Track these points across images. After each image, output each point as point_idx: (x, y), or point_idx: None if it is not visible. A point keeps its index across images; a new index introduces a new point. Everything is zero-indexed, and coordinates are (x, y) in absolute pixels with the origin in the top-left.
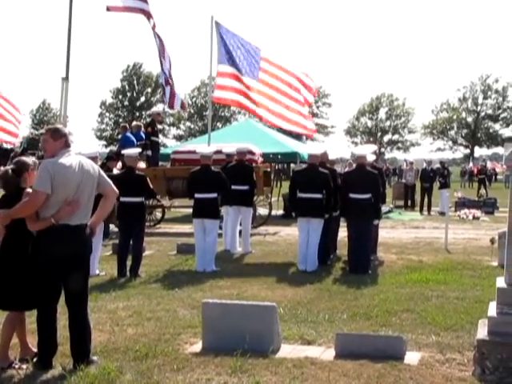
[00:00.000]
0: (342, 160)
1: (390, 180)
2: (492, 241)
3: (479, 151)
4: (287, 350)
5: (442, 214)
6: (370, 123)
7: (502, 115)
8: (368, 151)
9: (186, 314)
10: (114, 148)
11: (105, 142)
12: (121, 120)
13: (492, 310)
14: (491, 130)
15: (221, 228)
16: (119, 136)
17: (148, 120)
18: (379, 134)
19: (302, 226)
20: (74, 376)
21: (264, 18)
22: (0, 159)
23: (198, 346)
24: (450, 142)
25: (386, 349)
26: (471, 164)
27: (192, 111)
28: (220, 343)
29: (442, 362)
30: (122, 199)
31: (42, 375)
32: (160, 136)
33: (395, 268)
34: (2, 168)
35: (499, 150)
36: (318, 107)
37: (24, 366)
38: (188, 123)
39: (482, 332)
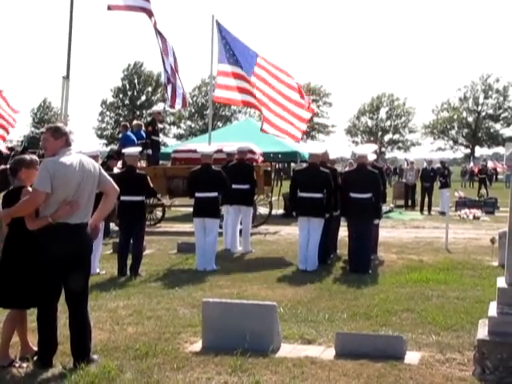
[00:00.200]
0: (342, 159)
1: (390, 180)
2: (492, 241)
3: (480, 151)
4: (287, 350)
5: (443, 213)
6: (370, 123)
7: (502, 115)
8: (369, 151)
9: (187, 312)
10: (114, 147)
11: (105, 141)
12: (121, 119)
13: (492, 309)
14: (492, 130)
15: (221, 227)
16: (120, 135)
17: (148, 119)
18: (380, 133)
19: (303, 226)
20: (75, 375)
21: (265, 18)
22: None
23: (198, 345)
24: (451, 142)
25: (386, 348)
26: (472, 164)
27: (193, 110)
28: (220, 342)
29: (442, 361)
30: (122, 198)
31: (43, 374)
32: (160, 135)
33: (395, 268)
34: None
35: (500, 149)
36: (318, 106)
37: (24, 365)
38: (189, 122)
39: (483, 332)
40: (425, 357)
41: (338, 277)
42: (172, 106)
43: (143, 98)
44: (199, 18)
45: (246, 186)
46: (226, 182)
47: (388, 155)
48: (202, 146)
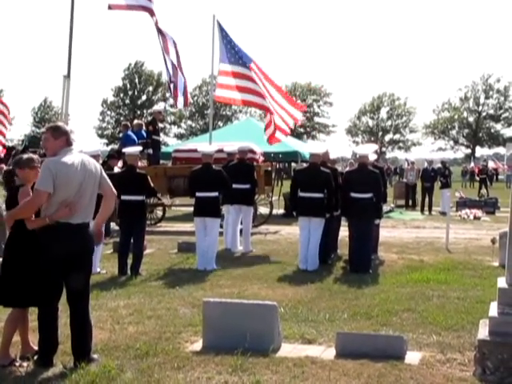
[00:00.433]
0: (343, 159)
1: (391, 179)
2: (493, 241)
3: (480, 151)
4: (288, 349)
5: (443, 213)
6: (371, 122)
7: (503, 115)
8: (369, 151)
9: (187, 312)
10: (115, 146)
11: (106, 141)
12: (122, 118)
13: (493, 310)
14: (492, 130)
15: (222, 227)
16: (120, 134)
17: (149, 118)
18: (380, 133)
19: (303, 225)
20: (75, 374)
21: (265, 18)
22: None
23: (198, 345)
24: (452, 142)
25: (386, 348)
26: (472, 164)
27: (193, 110)
28: (220, 342)
29: (442, 361)
30: (122, 197)
31: (43, 373)
32: (161, 134)
33: (396, 267)
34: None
35: (500, 149)
36: (319, 106)
37: (25, 364)
38: (189, 122)
39: (483, 332)
40: (425, 357)
41: (339, 277)
42: (174, 105)
43: (144, 97)
44: (200, 17)
45: (247, 186)
46: (227, 182)
47: (389, 155)
48: (202, 145)
